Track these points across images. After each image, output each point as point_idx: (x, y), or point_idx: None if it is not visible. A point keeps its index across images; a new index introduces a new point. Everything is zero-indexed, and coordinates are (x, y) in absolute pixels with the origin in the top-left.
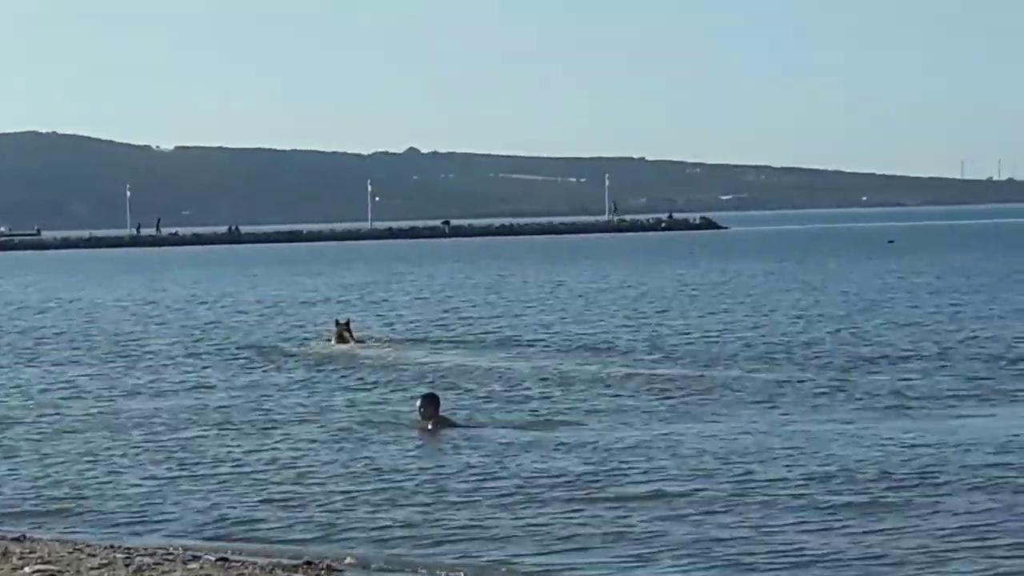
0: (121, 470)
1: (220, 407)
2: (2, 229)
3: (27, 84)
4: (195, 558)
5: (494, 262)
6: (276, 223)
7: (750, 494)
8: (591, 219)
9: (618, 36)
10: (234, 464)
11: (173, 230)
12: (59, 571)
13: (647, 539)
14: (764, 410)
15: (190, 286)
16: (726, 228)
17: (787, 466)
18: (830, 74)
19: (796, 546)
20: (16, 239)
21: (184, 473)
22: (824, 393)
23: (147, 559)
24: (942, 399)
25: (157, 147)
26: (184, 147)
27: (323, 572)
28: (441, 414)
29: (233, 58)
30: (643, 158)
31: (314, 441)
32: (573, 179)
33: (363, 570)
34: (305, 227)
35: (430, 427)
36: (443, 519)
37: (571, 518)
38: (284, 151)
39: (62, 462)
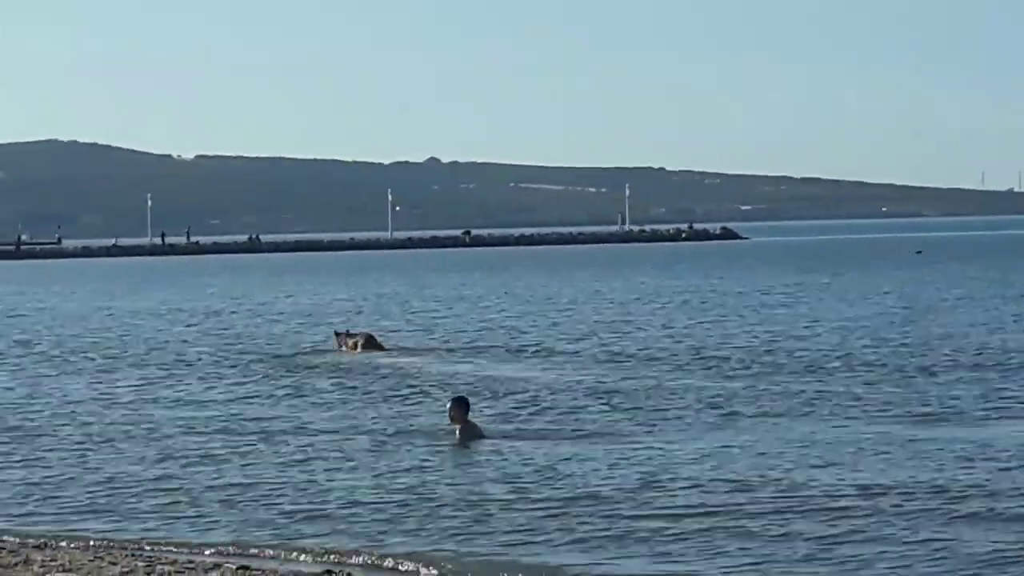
0: (147, 478)
1: (255, 417)
2: (24, 237)
3: (47, 92)
4: (216, 566)
5: (522, 271)
6: (296, 232)
7: (799, 507)
8: (612, 229)
9: (638, 46)
10: (260, 473)
11: (194, 239)
12: None
13: (694, 553)
14: (821, 419)
15: (223, 295)
16: (746, 239)
17: (840, 477)
18: (849, 85)
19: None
20: (37, 247)
21: (210, 480)
22: (889, 403)
23: (167, 567)
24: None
25: (178, 156)
26: (205, 156)
27: None
28: (470, 419)
29: (254, 67)
30: (663, 168)
31: (344, 450)
32: (593, 189)
33: None
34: (325, 236)
35: (459, 432)
36: (476, 529)
37: (614, 531)
38: (305, 160)
39: (94, 468)
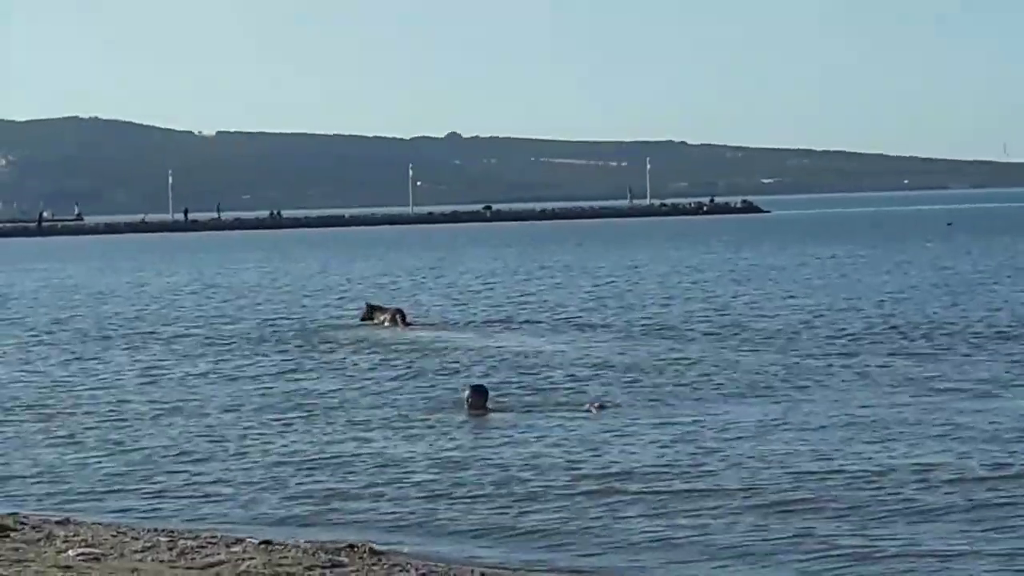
0: (169, 454)
1: (289, 391)
2: (45, 214)
3: (69, 69)
4: (238, 541)
5: (554, 246)
6: (317, 208)
7: (844, 488)
8: (620, 203)
9: (660, 20)
10: (284, 448)
11: (215, 215)
12: (103, 554)
13: (740, 539)
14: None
15: (255, 270)
16: (768, 212)
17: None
18: (872, 58)
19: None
20: (59, 224)
21: (233, 457)
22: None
23: (190, 542)
24: None
25: (199, 132)
26: (226, 132)
27: (365, 555)
28: (488, 407)
29: (275, 43)
30: (684, 142)
31: (373, 427)
32: (614, 163)
33: (408, 554)
34: (347, 212)
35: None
36: (502, 511)
37: (653, 513)
38: (326, 136)
39: (122, 447)
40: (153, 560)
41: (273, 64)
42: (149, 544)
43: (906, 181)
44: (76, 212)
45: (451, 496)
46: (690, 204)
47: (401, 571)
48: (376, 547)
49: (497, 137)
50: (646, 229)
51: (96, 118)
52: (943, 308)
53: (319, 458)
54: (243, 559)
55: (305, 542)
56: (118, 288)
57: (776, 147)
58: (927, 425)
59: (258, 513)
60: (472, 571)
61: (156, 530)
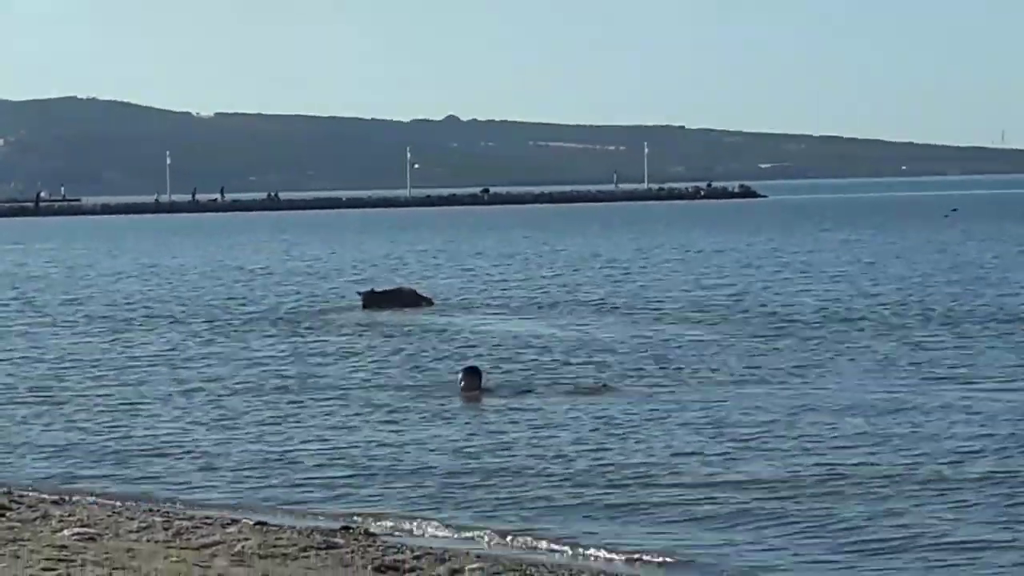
0: (167, 435)
1: (291, 373)
2: (43, 194)
3: (67, 50)
4: (233, 521)
5: (560, 229)
6: (315, 190)
7: (874, 474)
8: (631, 187)
9: (659, 5)
10: (280, 430)
11: (213, 196)
12: (98, 534)
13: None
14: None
15: (269, 251)
16: (765, 197)
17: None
18: (869, 43)
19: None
20: (55, 205)
21: (229, 438)
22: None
23: (185, 523)
24: None
25: (197, 114)
26: (224, 114)
27: (361, 537)
28: (482, 388)
29: (273, 25)
30: (682, 126)
31: (370, 410)
32: (612, 147)
33: (403, 535)
34: (344, 194)
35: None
36: (490, 494)
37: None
38: (323, 118)
39: (119, 426)
40: (148, 540)
41: (272, 45)
42: (145, 524)
43: (904, 167)
44: (62, 194)
45: (446, 479)
46: (687, 188)
47: (396, 552)
48: (371, 529)
49: (495, 120)
50: (650, 213)
51: (94, 99)
52: (968, 295)
53: (315, 440)
54: (238, 540)
55: (300, 524)
56: (130, 268)
57: (774, 132)
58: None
59: (253, 494)
60: (467, 553)
61: (152, 510)
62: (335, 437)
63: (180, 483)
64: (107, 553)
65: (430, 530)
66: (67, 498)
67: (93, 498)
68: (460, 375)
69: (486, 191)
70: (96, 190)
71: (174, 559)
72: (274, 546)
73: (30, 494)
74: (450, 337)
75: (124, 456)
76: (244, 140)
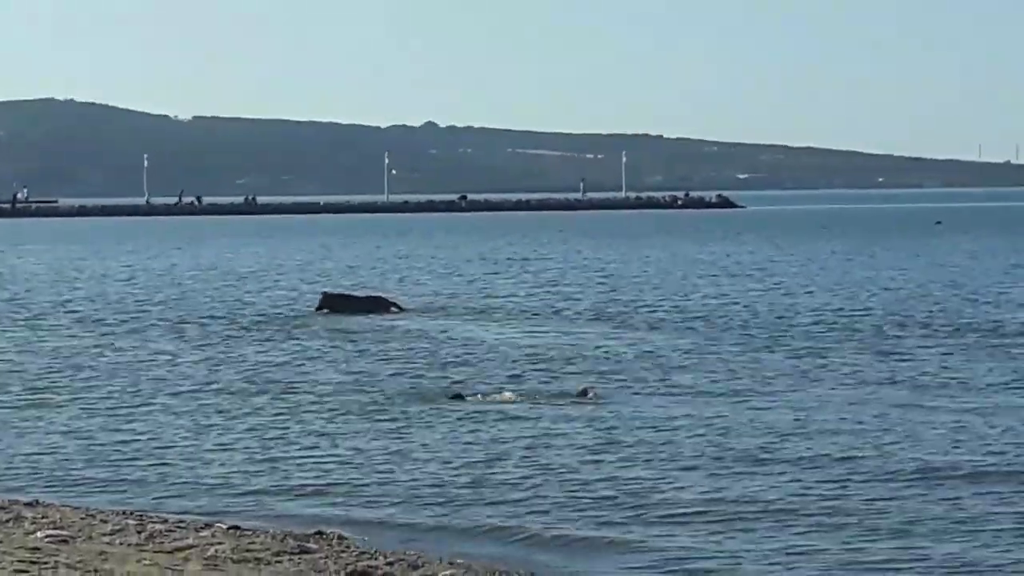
0: (142, 437)
1: (274, 378)
2: (20, 195)
3: (45, 50)
4: (207, 525)
5: (547, 237)
6: (293, 194)
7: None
8: (604, 195)
9: (638, 13)
10: (256, 434)
11: (190, 199)
12: (71, 536)
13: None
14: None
15: (262, 255)
16: (743, 207)
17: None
18: (848, 55)
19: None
20: (33, 206)
21: (203, 441)
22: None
23: (159, 526)
24: None
25: (175, 116)
26: (202, 117)
27: (334, 542)
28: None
29: (252, 28)
30: (660, 135)
31: (351, 416)
32: (590, 155)
33: (376, 541)
34: (322, 199)
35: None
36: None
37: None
38: (302, 122)
39: (94, 431)
40: (121, 543)
41: (250, 49)
42: (118, 527)
43: (880, 179)
44: (25, 195)
45: (424, 487)
46: (664, 197)
47: (370, 559)
48: (344, 534)
49: (473, 127)
50: (629, 222)
51: (72, 100)
52: (966, 305)
53: (292, 446)
54: (211, 544)
55: (274, 528)
56: (116, 271)
57: (751, 142)
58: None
59: (227, 498)
60: (440, 559)
61: (125, 513)
62: (309, 442)
63: (153, 486)
64: (80, 556)
65: (403, 535)
66: (40, 501)
67: (66, 501)
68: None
69: (464, 198)
70: (73, 192)
71: (147, 562)
72: (247, 550)
73: (2, 497)
74: (413, 342)
75: (95, 459)
76: (222, 143)
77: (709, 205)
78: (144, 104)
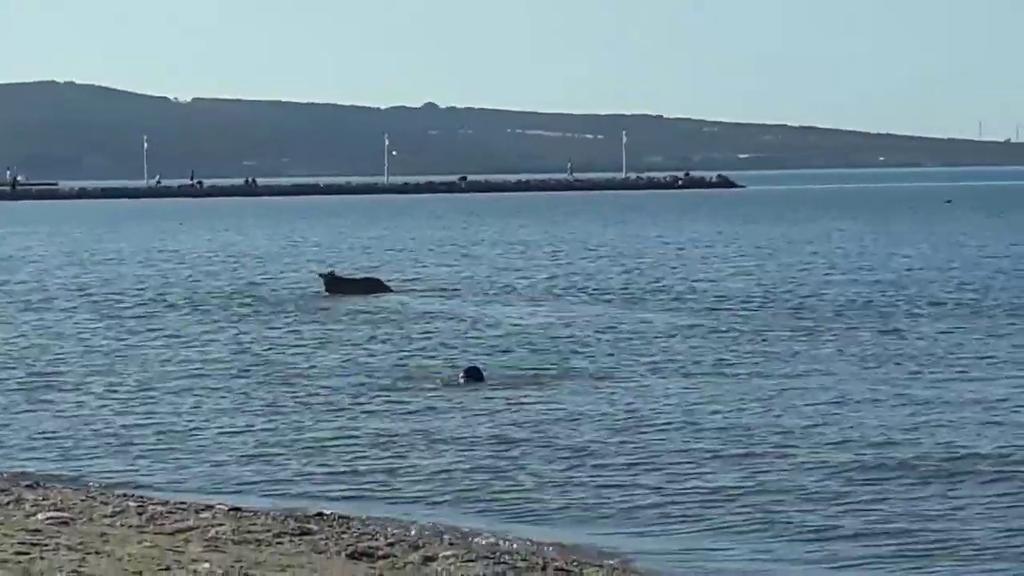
0: (143, 419)
1: (283, 361)
2: (20, 178)
3: (44, 33)
4: (208, 507)
5: (562, 218)
6: (292, 176)
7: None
8: (608, 175)
9: None
10: (260, 418)
11: (182, 182)
12: (71, 518)
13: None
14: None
15: (274, 236)
16: (743, 187)
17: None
18: (848, 34)
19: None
20: (32, 189)
21: (205, 423)
22: None
23: (160, 507)
24: None
25: (175, 99)
26: (202, 99)
27: (335, 523)
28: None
29: (252, 9)
30: (660, 116)
31: (356, 399)
32: (590, 136)
33: (377, 522)
34: (322, 180)
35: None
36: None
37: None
38: (301, 104)
39: (99, 413)
40: (122, 525)
41: (250, 31)
42: (118, 509)
43: (881, 158)
44: (24, 178)
45: (424, 467)
46: (665, 178)
47: (371, 540)
48: (345, 515)
49: (473, 108)
50: (631, 202)
51: (72, 82)
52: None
53: (296, 428)
54: (212, 525)
55: (274, 509)
56: (132, 253)
57: (752, 122)
58: None
59: (228, 480)
60: (440, 540)
61: (125, 495)
62: (312, 423)
63: (153, 467)
64: (80, 537)
65: (404, 517)
66: (41, 482)
67: (66, 483)
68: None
69: (464, 179)
70: (74, 174)
71: (147, 544)
72: (248, 532)
73: (3, 478)
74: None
75: (97, 441)
76: (221, 125)
77: (710, 185)
78: (144, 86)
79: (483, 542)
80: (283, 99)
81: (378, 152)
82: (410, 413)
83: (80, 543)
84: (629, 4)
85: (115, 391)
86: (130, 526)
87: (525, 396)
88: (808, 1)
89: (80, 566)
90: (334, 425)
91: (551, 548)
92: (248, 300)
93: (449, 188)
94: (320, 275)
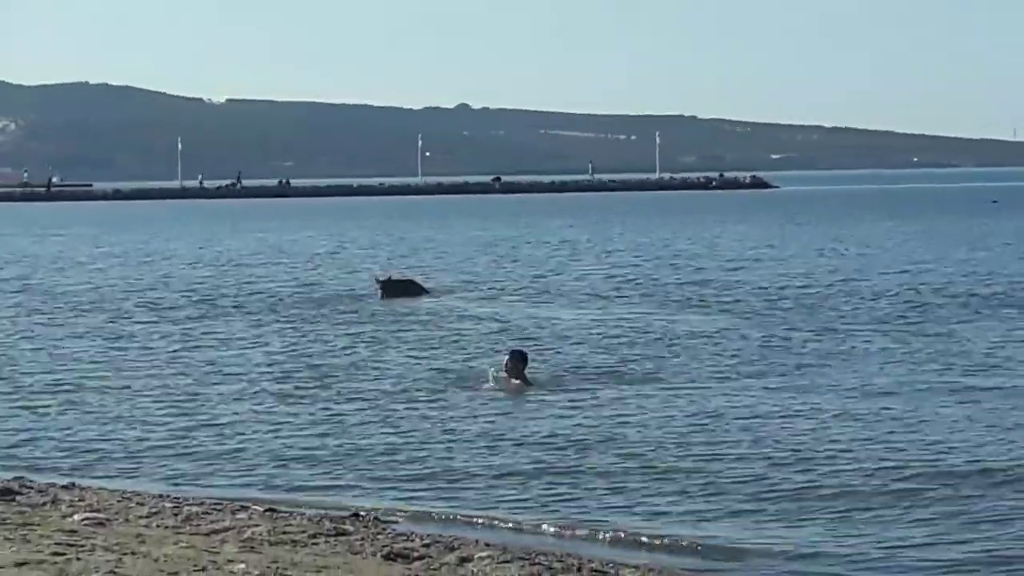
0: (181, 421)
1: (317, 363)
2: (55, 179)
3: (78, 35)
4: (243, 508)
5: (614, 219)
6: (326, 177)
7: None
8: (642, 176)
9: None
10: (294, 417)
11: (223, 182)
12: (108, 519)
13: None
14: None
15: (323, 239)
16: (776, 187)
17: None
18: (882, 35)
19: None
20: (67, 190)
21: (242, 424)
22: None
23: (195, 508)
24: None
25: (208, 100)
26: (236, 100)
27: (370, 524)
28: (526, 374)
29: (287, 12)
30: (694, 116)
31: (393, 398)
32: (623, 136)
33: (413, 523)
34: (355, 181)
35: (511, 386)
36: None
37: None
38: (335, 105)
39: (133, 414)
40: (158, 526)
41: (285, 32)
42: (154, 510)
43: (915, 159)
44: (60, 178)
45: (461, 468)
46: (699, 179)
47: (406, 540)
48: (381, 516)
49: (506, 109)
50: (666, 203)
51: (106, 84)
52: None
53: (331, 427)
54: (248, 526)
55: (310, 510)
56: (184, 254)
57: (785, 123)
58: None
59: (264, 481)
60: (477, 541)
61: (162, 496)
62: (352, 424)
63: (190, 468)
64: (116, 538)
65: (441, 519)
66: (77, 483)
67: (103, 484)
68: (506, 358)
69: (498, 179)
70: (107, 176)
71: (183, 544)
72: (284, 532)
73: (40, 479)
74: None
75: (134, 442)
76: (255, 126)
77: (743, 186)
78: (178, 87)
79: (520, 542)
80: (317, 100)
81: (411, 153)
82: (452, 414)
83: (116, 544)
84: (662, 4)
85: (153, 392)
86: (166, 527)
87: (571, 398)
88: (840, 4)
89: (116, 567)
90: (378, 425)
91: (586, 549)
92: (302, 303)
93: (483, 189)
94: (377, 280)
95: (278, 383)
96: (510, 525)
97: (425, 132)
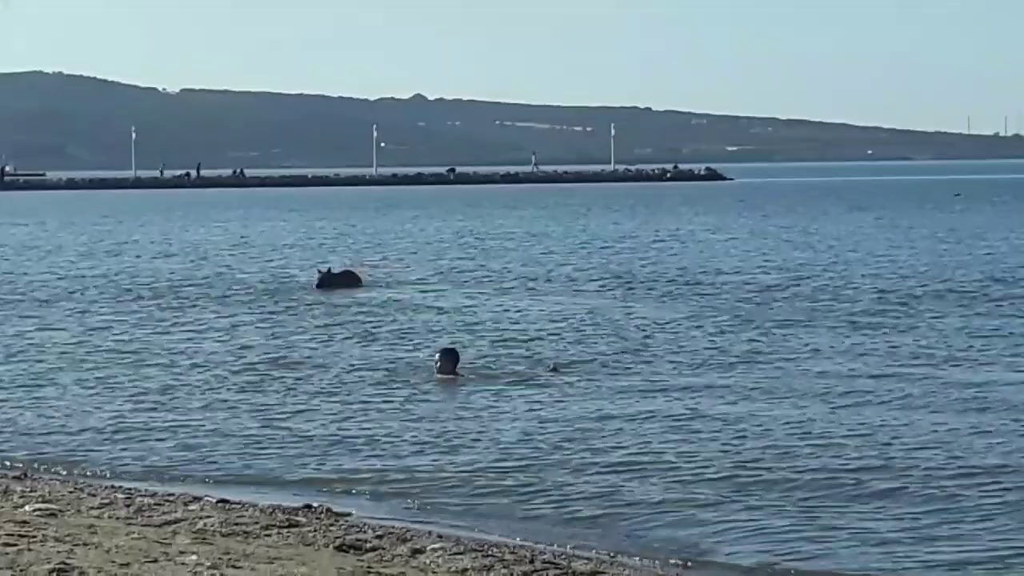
0: (132, 410)
1: (267, 350)
2: (8, 168)
3: (32, 23)
4: (196, 499)
5: (581, 210)
6: (281, 167)
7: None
8: (597, 168)
9: None
10: (247, 407)
11: (179, 172)
12: (59, 510)
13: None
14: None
15: (286, 227)
16: (731, 180)
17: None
18: (837, 27)
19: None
20: (21, 179)
21: (193, 414)
22: None
23: (147, 499)
24: None
25: (163, 89)
26: (190, 90)
27: (323, 516)
28: (458, 372)
29: (242, 1)
30: (649, 108)
31: (341, 390)
32: (579, 128)
33: (365, 515)
34: (310, 171)
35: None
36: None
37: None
38: (290, 95)
39: (89, 402)
40: (110, 517)
41: (239, 22)
42: (106, 501)
43: (869, 151)
44: (12, 168)
45: (411, 460)
46: (653, 170)
47: (358, 532)
48: (334, 508)
49: (461, 100)
50: (621, 194)
51: (60, 73)
52: None
53: (281, 418)
54: (200, 517)
55: (263, 501)
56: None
57: (741, 115)
58: None
59: (216, 472)
60: (429, 533)
61: (114, 487)
62: (300, 416)
63: (142, 459)
64: (68, 529)
65: (392, 510)
66: (29, 473)
67: (54, 474)
68: (437, 356)
69: (452, 171)
70: (61, 165)
71: (135, 536)
72: (236, 524)
73: None
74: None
75: (86, 432)
76: (210, 116)
77: (698, 177)
78: (132, 77)
79: (473, 535)
80: (272, 90)
81: (366, 143)
82: (401, 406)
83: (68, 535)
84: None
85: (105, 381)
86: (118, 518)
87: (512, 390)
88: None
89: (68, 558)
90: (325, 417)
91: (540, 543)
92: (248, 293)
93: (438, 180)
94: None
95: (234, 374)
96: (462, 517)
97: (380, 123)
